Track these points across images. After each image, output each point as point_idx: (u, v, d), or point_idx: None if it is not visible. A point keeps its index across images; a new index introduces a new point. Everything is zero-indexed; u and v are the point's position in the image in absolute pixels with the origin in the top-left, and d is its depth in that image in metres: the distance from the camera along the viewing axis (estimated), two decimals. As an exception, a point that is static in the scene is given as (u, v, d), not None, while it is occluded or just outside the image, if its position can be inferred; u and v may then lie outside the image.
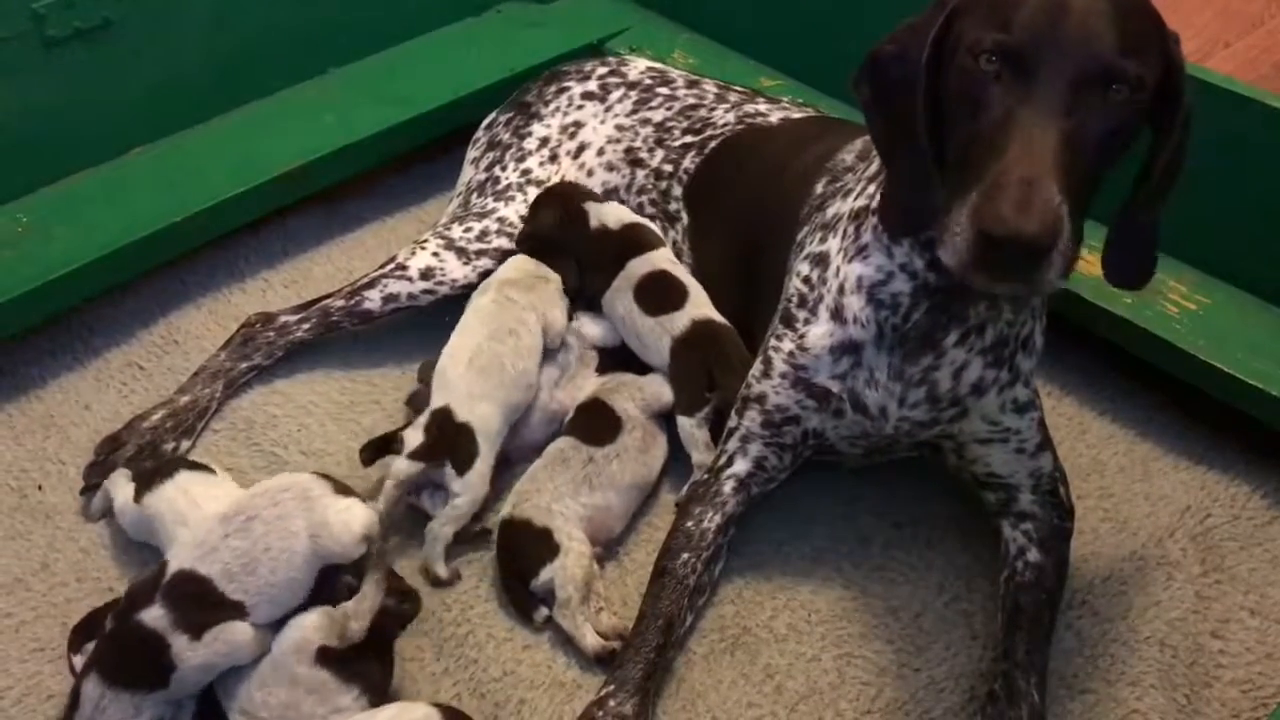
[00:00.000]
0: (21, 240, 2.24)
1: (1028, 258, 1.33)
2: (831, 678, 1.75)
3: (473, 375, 1.96)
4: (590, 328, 2.15)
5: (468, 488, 1.87)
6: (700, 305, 2.08)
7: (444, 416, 1.92)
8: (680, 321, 2.05)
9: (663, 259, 2.14)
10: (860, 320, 1.67)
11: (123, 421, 2.10)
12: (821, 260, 1.73)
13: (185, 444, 2.07)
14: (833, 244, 1.73)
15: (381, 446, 1.93)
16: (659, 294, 2.09)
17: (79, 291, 2.22)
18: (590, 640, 1.76)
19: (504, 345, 2.00)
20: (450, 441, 1.89)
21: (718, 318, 2.06)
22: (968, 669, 1.76)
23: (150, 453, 2.02)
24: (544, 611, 1.80)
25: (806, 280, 1.75)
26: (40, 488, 2.00)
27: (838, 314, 1.70)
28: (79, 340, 2.28)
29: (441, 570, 1.85)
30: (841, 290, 1.69)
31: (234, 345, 2.20)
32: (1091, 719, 1.69)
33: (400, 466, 1.86)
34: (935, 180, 1.49)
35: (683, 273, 2.13)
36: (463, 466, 1.88)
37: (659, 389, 2.04)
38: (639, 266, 2.12)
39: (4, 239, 2.23)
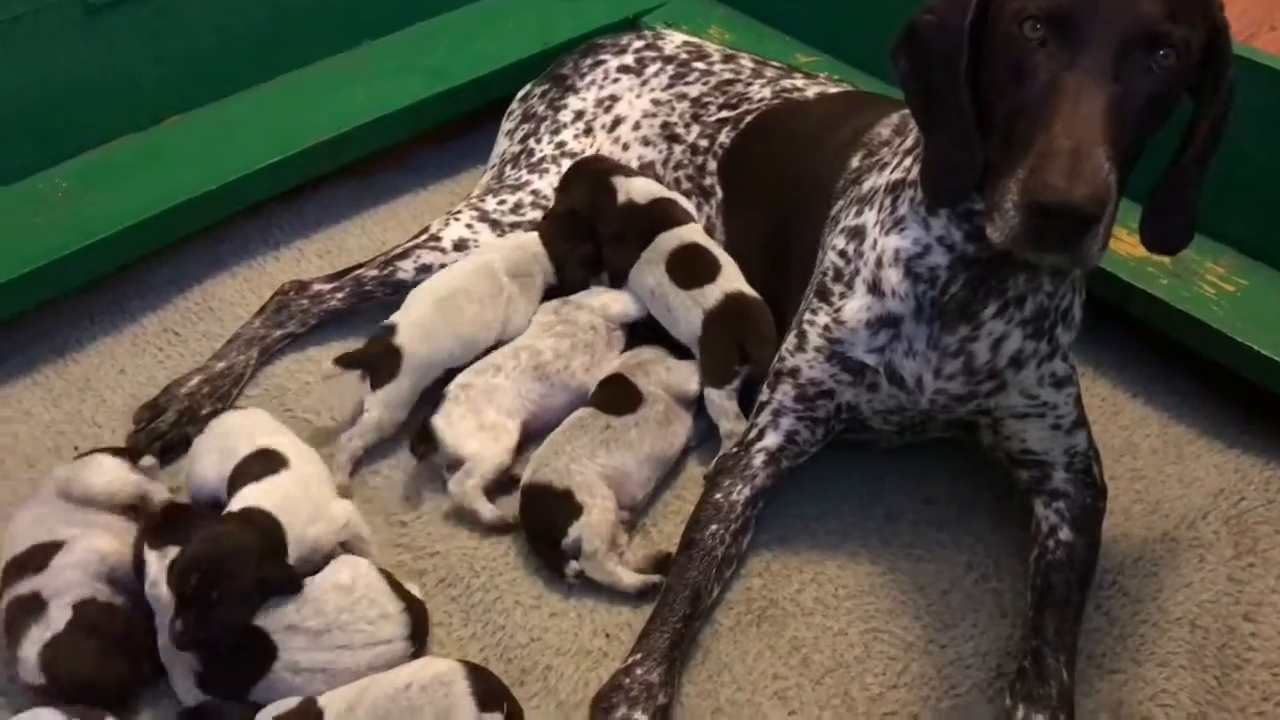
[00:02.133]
0: (61, 206, 2.26)
1: (1076, 227, 1.32)
2: (858, 651, 1.75)
3: (432, 313, 2.03)
4: (616, 305, 2.14)
5: (375, 404, 1.97)
6: (732, 279, 2.08)
7: (385, 332, 2.02)
8: (713, 295, 2.05)
9: (693, 233, 2.13)
10: (898, 293, 1.67)
11: (158, 386, 2.12)
12: (858, 234, 1.73)
13: (221, 409, 2.08)
14: (869, 217, 1.72)
15: (424, 437, 1.95)
16: (691, 267, 2.08)
17: (116, 257, 2.25)
18: (629, 579, 1.78)
19: (470, 307, 2.06)
20: (376, 356, 1.99)
21: (750, 291, 2.06)
22: (995, 646, 1.76)
23: (189, 419, 2.04)
24: (575, 565, 1.81)
25: (842, 254, 1.74)
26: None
27: (875, 287, 1.69)
28: (116, 306, 2.30)
29: (343, 479, 1.94)
30: (879, 263, 1.68)
31: (268, 313, 2.21)
32: (1120, 698, 1.68)
33: (326, 368, 2.00)
34: (976, 151, 1.48)
35: (714, 246, 2.13)
36: (377, 383, 1.97)
37: (686, 377, 2.04)
38: (669, 240, 2.11)
39: (44, 204, 2.27)
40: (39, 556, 1.67)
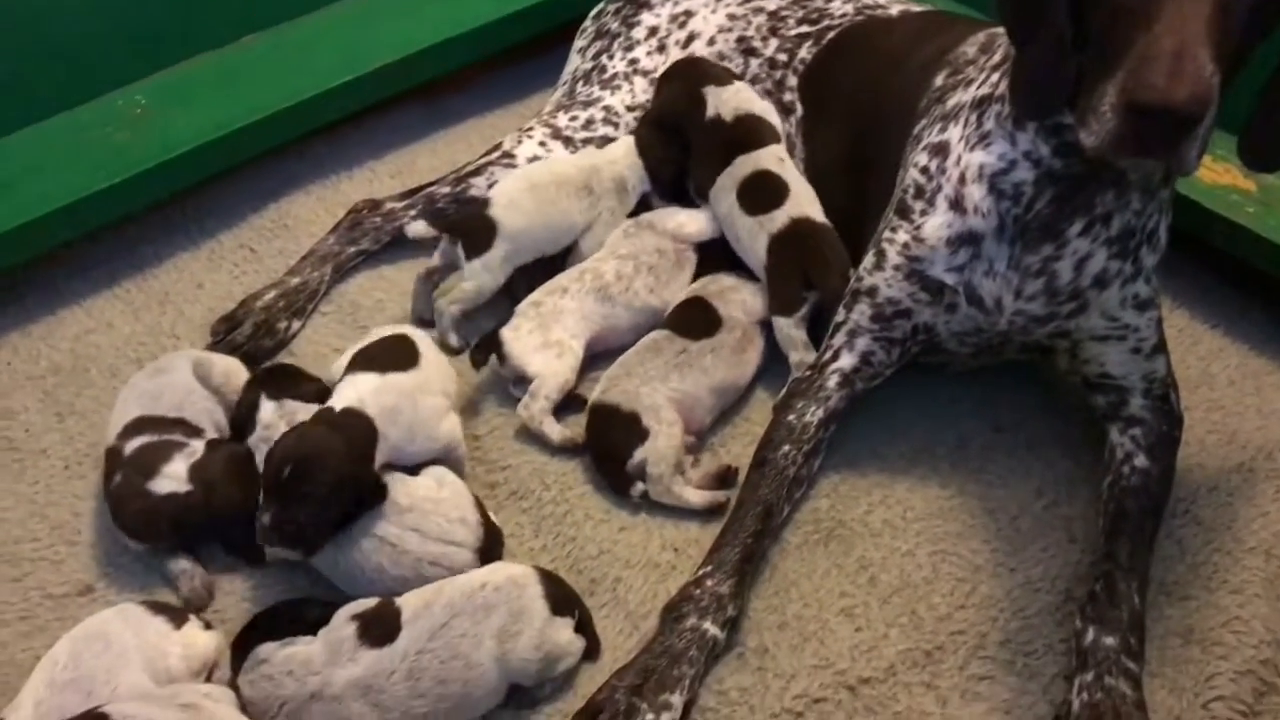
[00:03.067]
0: (140, 122, 2.30)
1: (1176, 129, 1.30)
2: (926, 572, 1.75)
3: (527, 193, 2.07)
4: (691, 225, 2.13)
5: (472, 273, 2.03)
6: (801, 204, 2.05)
7: (481, 204, 2.08)
8: (779, 219, 2.03)
9: (769, 158, 2.10)
10: (980, 210, 1.65)
11: (235, 301, 2.15)
12: (941, 150, 1.71)
13: (296, 324, 2.12)
14: (953, 133, 1.70)
15: (488, 346, 1.97)
16: (760, 193, 2.07)
17: (193, 173, 2.28)
18: (695, 498, 1.80)
19: (563, 200, 2.09)
20: (473, 226, 2.04)
21: (818, 217, 2.04)
22: (1064, 571, 1.75)
23: (265, 331, 2.08)
24: (640, 487, 1.82)
25: (924, 170, 1.72)
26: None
27: (957, 204, 1.67)
28: (193, 222, 2.34)
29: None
30: (962, 180, 1.66)
31: (342, 230, 2.24)
32: (1191, 625, 1.68)
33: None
34: (1069, 60, 1.45)
35: (789, 171, 2.10)
36: (472, 252, 2.03)
37: (760, 299, 2.04)
38: (744, 166, 2.10)
39: (123, 120, 2.30)
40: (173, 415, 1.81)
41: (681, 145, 2.18)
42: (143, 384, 1.85)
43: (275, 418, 1.78)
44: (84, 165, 2.20)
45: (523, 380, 1.96)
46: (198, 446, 1.77)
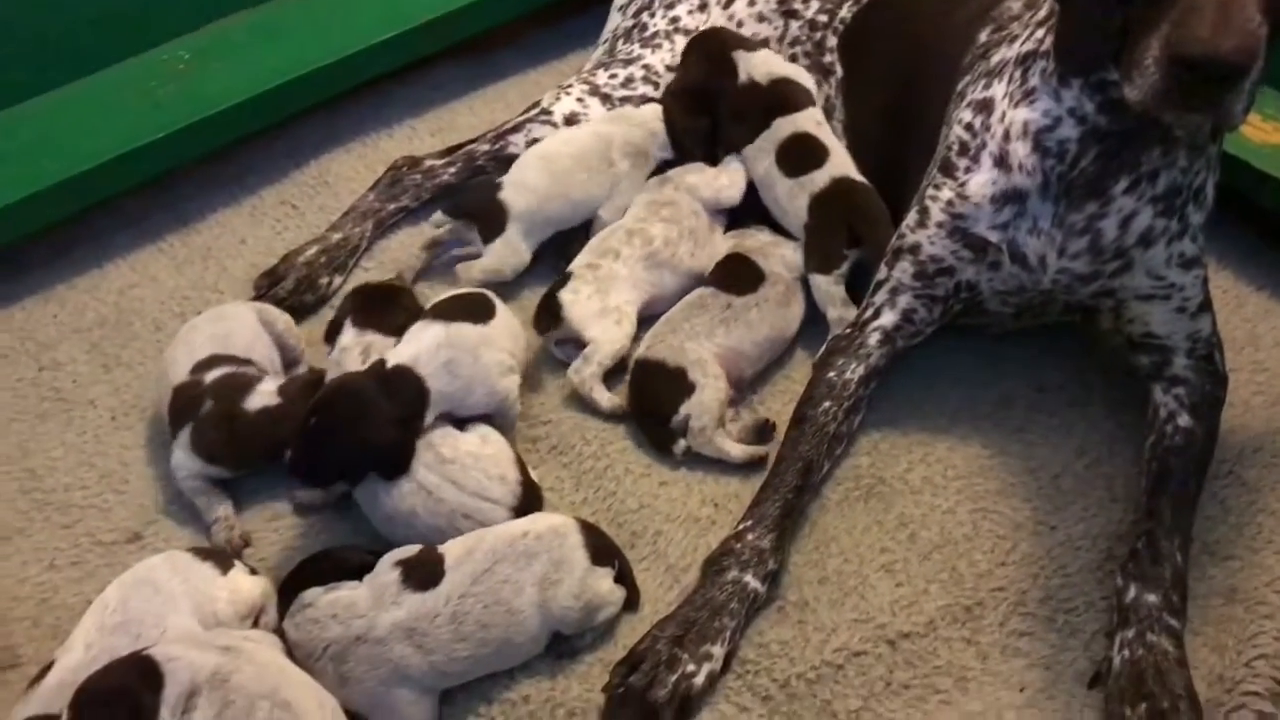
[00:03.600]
0: (183, 76, 2.32)
1: (1222, 82, 1.28)
2: (966, 530, 1.75)
3: (538, 173, 2.08)
4: (709, 190, 2.10)
5: (493, 252, 2.05)
6: (841, 165, 2.05)
7: (491, 188, 2.09)
8: (820, 179, 2.03)
9: (808, 120, 2.10)
10: (1025, 168, 1.63)
11: (276, 256, 2.17)
12: (985, 106, 1.69)
13: (338, 280, 2.13)
14: (998, 89, 1.68)
15: (547, 309, 1.97)
16: (800, 155, 2.06)
17: (235, 128, 2.29)
18: (736, 452, 1.81)
19: (579, 174, 2.09)
20: (481, 209, 2.06)
21: (859, 177, 2.04)
22: (1106, 530, 1.75)
23: (307, 287, 2.10)
24: (682, 444, 1.83)
25: (969, 127, 1.71)
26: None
27: (1002, 161, 1.66)
28: (235, 179, 2.36)
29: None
30: (1006, 136, 1.65)
31: (382, 186, 2.25)
32: (1234, 584, 1.67)
33: (436, 218, 2.11)
34: (1114, 15, 1.43)
35: (827, 134, 2.10)
36: (488, 236, 2.05)
37: (801, 255, 2.04)
38: (783, 128, 2.09)
39: (167, 75, 2.32)
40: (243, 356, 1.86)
41: (709, 114, 2.17)
42: (209, 328, 1.88)
43: (352, 343, 1.84)
44: (127, 121, 2.22)
45: (565, 342, 1.97)
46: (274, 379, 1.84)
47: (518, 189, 2.07)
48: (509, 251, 2.06)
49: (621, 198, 2.12)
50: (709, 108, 2.16)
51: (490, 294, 1.89)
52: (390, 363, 1.71)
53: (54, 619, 1.69)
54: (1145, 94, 1.35)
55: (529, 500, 1.72)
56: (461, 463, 1.68)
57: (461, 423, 1.76)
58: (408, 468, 1.67)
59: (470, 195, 2.15)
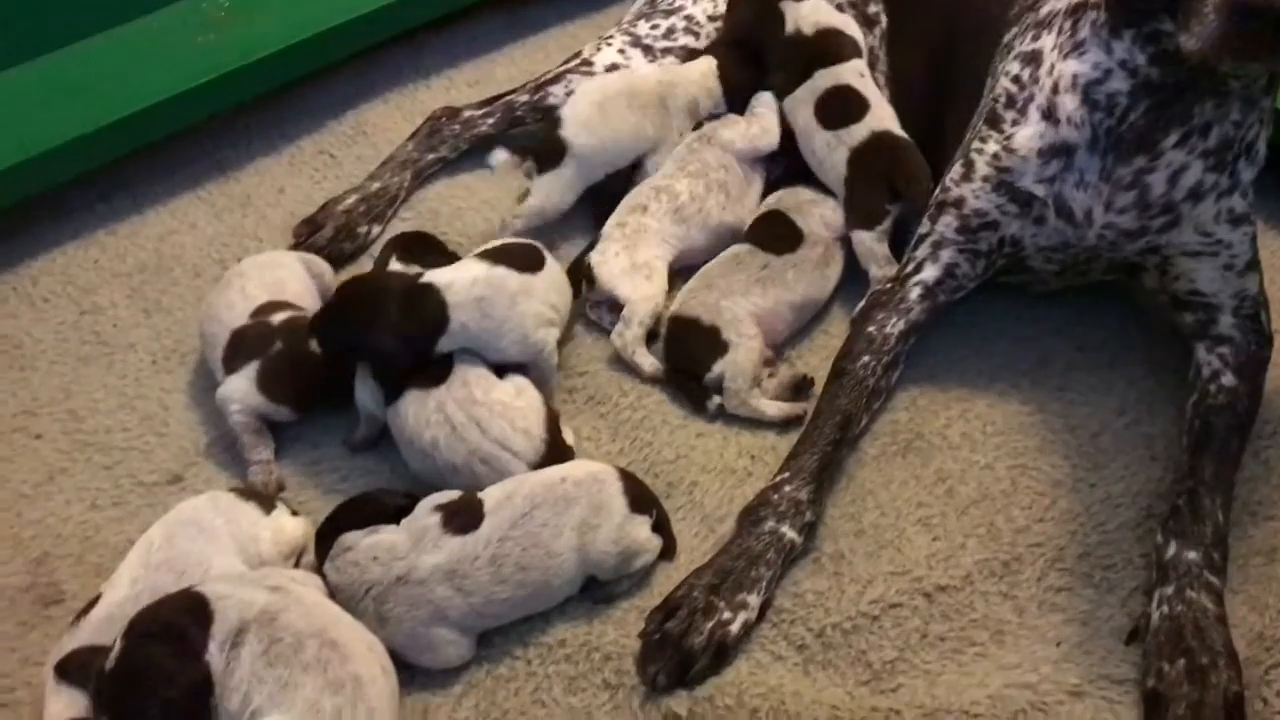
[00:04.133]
0: (221, 26, 2.32)
1: None
2: (1004, 485, 1.75)
3: (595, 109, 2.07)
4: (742, 141, 2.09)
5: (538, 188, 2.07)
6: (881, 119, 2.03)
7: (553, 123, 2.10)
8: (859, 133, 2.01)
9: (850, 72, 2.07)
10: (1073, 121, 1.62)
11: (315, 205, 2.18)
12: (1034, 59, 1.67)
13: (376, 229, 2.14)
14: (1047, 41, 1.66)
15: (579, 272, 1.97)
16: (838, 108, 2.04)
17: (274, 77, 2.30)
18: (772, 411, 1.80)
19: (632, 115, 2.09)
20: (545, 146, 2.08)
21: (899, 132, 2.02)
22: (1146, 488, 1.73)
23: (346, 235, 2.10)
24: (716, 400, 1.83)
25: (1016, 80, 1.69)
26: (240, 262, 2.10)
27: (1049, 114, 1.64)
28: (274, 128, 2.36)
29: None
30: (1055, 89, 1.63)
31: (420, 137, 2.25)
32: (1276, 545, 1.65)
33: (499, 155, 2.16)
34: None
35: (869, 87, 2.08)
36: (542, 169, 2.07)
37: (841, 214, 2.02)
38: (824, 80, 2.07)
39: (207, 23, 2.32)
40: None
41: (757, 65, 2.15)
42: (259, 274, 1.90)
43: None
44: (167, 68, 2.22)
45: (599, 305, 1.96)
46: None
47: (579, 126, 2.07)
48: (558, 188, 2.06)
49: (667, 149, 2.11)
50: (756, 58, 2.14)
51: (541, 247, 1.89)
52: (424, 279, 1.74)
53: (96, 557, 1.71)
54: (1203, 42, 1.33)
55: (553, 459, 1.71)
56: (490, 408, 1.69)
57: (500, 371, 1.77)
58: (402, 386, 1.71)
59: (532, 131, 2.17)
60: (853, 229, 1.98)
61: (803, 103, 2.08)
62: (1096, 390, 1.86)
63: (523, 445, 1.69)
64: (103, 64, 2.25)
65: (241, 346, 1.80)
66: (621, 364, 1.92)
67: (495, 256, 1.81)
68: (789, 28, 2.11)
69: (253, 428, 1.79)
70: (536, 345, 1.79)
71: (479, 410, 1.69)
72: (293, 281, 1.90)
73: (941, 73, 1.97)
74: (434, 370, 1.73)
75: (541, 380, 1.81)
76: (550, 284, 1.84)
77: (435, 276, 1.77)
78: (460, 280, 1.75)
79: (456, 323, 1.72)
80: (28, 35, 2.24)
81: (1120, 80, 1.57)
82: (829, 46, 2.10)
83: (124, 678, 1.36)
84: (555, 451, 1.72)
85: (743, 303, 1.87)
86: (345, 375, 1.78)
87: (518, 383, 1.77)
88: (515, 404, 1.72)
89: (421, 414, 1.69)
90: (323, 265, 2.00)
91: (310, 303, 1.89)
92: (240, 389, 1.78)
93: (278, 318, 1.82)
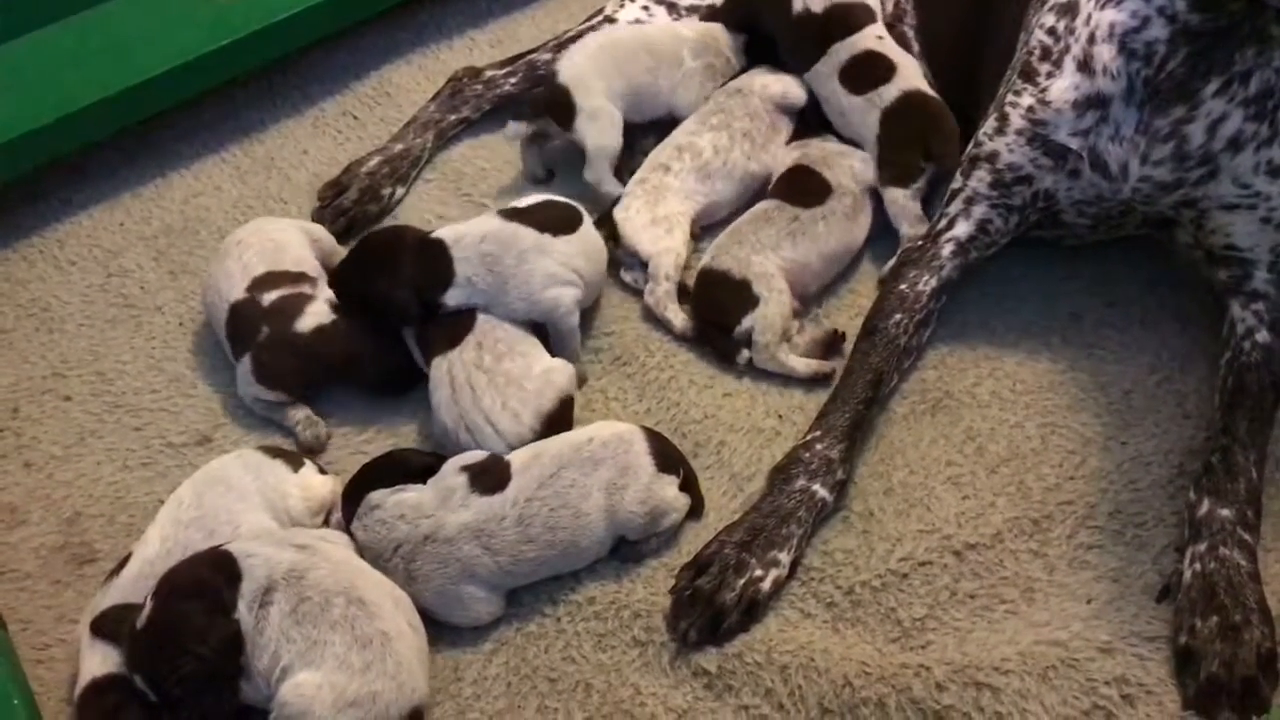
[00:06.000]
0: (243, -14, 2.29)
1: None
2: (1035, 444, 1.73)
3: (598, 51, 2.06)
4: (776, 85, 2.08)
5: (583, 135, 2.01)
6: (910, 78, 2.01)
7: (549, 76, 2.08)
8: (889, 94, 1.99)
9: (869, 38, 2.05)
10: (1110, 71, 1.59)
11: (339, 167, 2.18)
12: (1070, 9, 1.64)
13: (400, 190, 2.13)
14: (1083, -10, 1.63)
15: (604, 228, 1.95)
16: (865, 72, 2.02)
17: (297, 38, 2.28)
18: (801, 367, 1.80)
19: (646, 59, 2.07)
20: (549, 99, 2.04)
21: (929, 90, 2.00)
22: (1178, 446, 1.71)
23: (370, 197, 2.09)
24: (746, 354, 1.82)
25: (1051, 31, 1.66)
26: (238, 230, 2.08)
27: (1085, 65, 1.61)
28: (297, 90, 2.36)
29: (607, 190, 2.02)
30: (1091, 39, 1.60)
31: (443, 98, 2.23)
32: (1310, 502, 1.64)
33: (511, 127, 2.06)
34: None
35: (891, 48, 2.05)
36: (564, 120, 2.01)
37: (869, 166, 2.00)
38: (842, 52, 2.04)
39: (229, -15, 2.30)
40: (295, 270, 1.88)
41: (766, 50, 2.15)
42: (258, 242, 1.88)
43: None
44: (190, 29, 2.21)
45: (633, 267, 1.95)
46: (327, 295, 1.84)
47: (573, 67, 2.04)
48: (595, 123, 2.01)
49: (688, 96, 2.09)
50: (754, 36, 2.15)
51: (582, 210, 1.88)
52: (434, 234, 1.77)
53: (127, 517, 1.73)
54: None
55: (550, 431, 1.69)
56: (493, 377, 1.69)
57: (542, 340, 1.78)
58: (405, 332, 1.78)
59: (533, 94, 2.13)
60: (885, 185, 1.96)
61: (824, 77, 2.06)
62: (1128, 347, 1.84)
63: (507, 425, 1.67)
64: (125, 27, 2.23)
65: (238, 329, 1.81)
66: (649, 323, 1.91)
67: (514, 214, 1.81)
68: (797, 7, 2.08)
69: (273, 408, 1.80)
70: (544, 304, 1.78)
71: (479, 377, 1.69)
72: (290, 249, 1.89)
73: (973, 25, 1.94)
74: (456, 332, 1.73)
75: (560, 342, 1.81)
76: (578, 247, 1.82)
77: (445, 232, 1.79)
78: (469, 235, 1.77)
79: (462, 276, 1.74)
80: (44, 1, 2.23)
81: (1159, 28, 1.54)
82: (840, 19, 2.07)
83: (156, 634, 1.38)
84: (560, 423, 1.70)
85: (773, 257, 1.86)
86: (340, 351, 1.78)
87: (548, 364, 1.74)
88: (523, 382, 1.70)
89: (435, 374, 1.71)
90: (321, 231, 1.99)
91: (311, 267, 1.88)
92: (243, 382, 1.80)
93: (268, 297, 1.80)
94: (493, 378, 1.69)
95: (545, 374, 1.73)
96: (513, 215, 1.82)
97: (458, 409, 1.68)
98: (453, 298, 1.75)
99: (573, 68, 2.04)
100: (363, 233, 2.01)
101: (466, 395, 1.68)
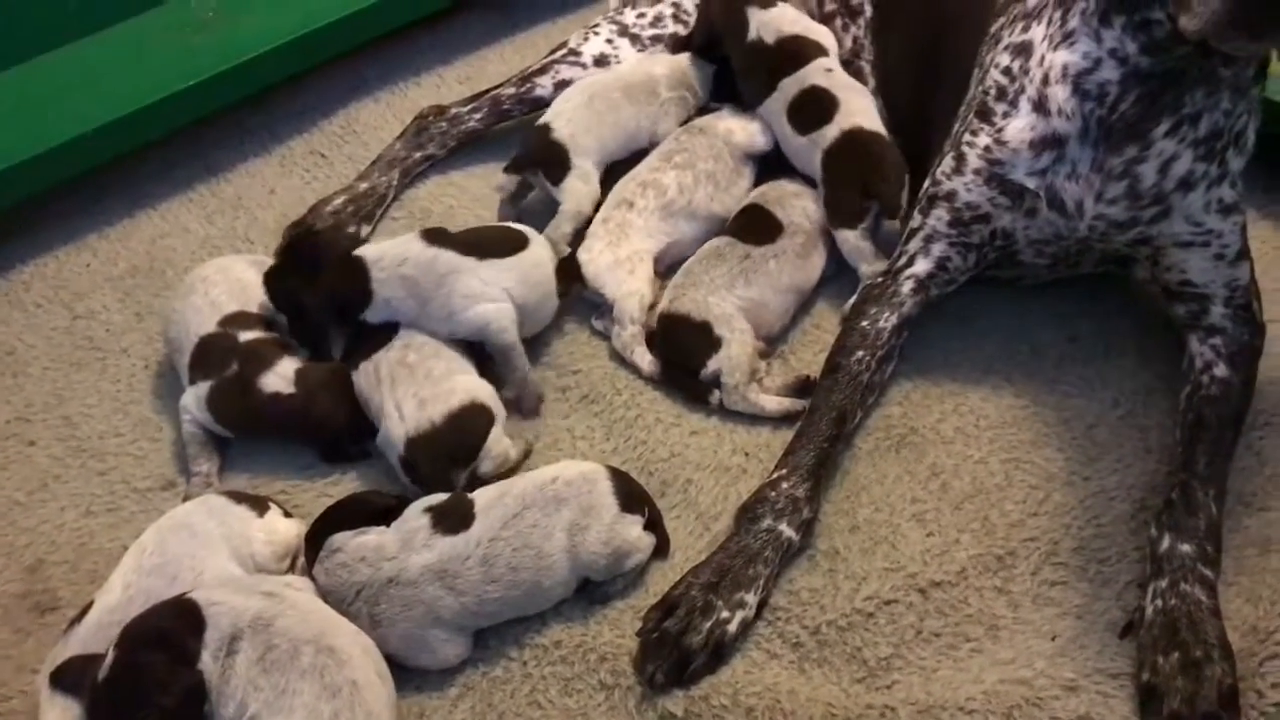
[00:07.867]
0: (211, 26, 2.32)
1: None
2: (998, 479, 1.74)
3: (585, 106, 2.08)
4: (740, 134, 2.09)
5: (566, 194, 2.03)
6: (851, 114, 2.00)
7: (543, 131, 2.07)
8: (830, 133, 2.00)
9: (815, 72, 2.06)
10: (1064, 112, 1.61)
11: (306, 205, 2.18)
12: (1024, 50, 1.66)
13: (366, 229, 2.14)
14: (1037, 32, 1.65)
15: (568, 272, 1.96)
16: (808, 111, 2.03)
17: (264, 77, 2.30)
18: (770, 405, 1.80)
19: (628, 107, 2.10)
20: (541, 154, 2.05)
21: (870, 125, 2.00)
22: (1140, 481, 1.73)
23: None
24: (718, 395, 1.83)
25: (1006, 71, 1.68)
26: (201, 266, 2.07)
27: (1040, 106, 1.63)
28: (264, 129, 2.36)
29: (563, 248, 2.01)
30: (1045, 80, 1.62)
31: (409, 136, 2.24)
32: (1269, 535, 1.65)
33: (503, 179, 2.09)
34: None
35: (837, 81, 2.05)
36: (556, 177, 2.04)
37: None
38: (790, 87, 2.06)
39: (194, 25, 2.33)
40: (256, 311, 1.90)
41: (722, 62, 2.17)
42: (224, 280, 1.89)
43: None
44: (157, 69, 2.23)
45: (603, 315, 1.96)
46: (298, 353, 1.87)
47: (568, 123, 2.07)
48: (583, 186, 2.05)
49: (666, 127, 2.13)
50: (721, 57, 2.16)
51: (525, 234, 1.91)
52: (355, 252, 1.83)
53: (91, 564, 1.71)
54: (1205, 22, 1.31)
55: (435, 452, 1.70)
56: (413, 374, 1.75)
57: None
58: (326, 350, 1.85)
59: (527, 144, 2.11)
60: (836, 229, 1.97)
61: (776, 113, 2.08)
62: (1091, 382, 1.86)
63: (410, 411, 1.71)
64: (91, 67, 2.25)
65: (206, 358, 1.81)
66: (615, 362, 1.92)
67: (439, 237, 1.85)
68: (751, 34, 2.10)
69: (200, 439, 1.80)
70: (470, 322, 1.80)
71: (400, 370, 1.75)
72: (256, 287, 1.90)
73: (927, 62, 1.96)
74: (380, 340, 1.79)
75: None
76: (514, 270, 1.84)
77: (367, 250, 1.84)
78: (389, 257, 1.82)
79: (380, 298, 1.79)
80: (14, 40, 2.24)
81: (1111, 69, 1.56)
82: (790, 54, 2.09)
83: (118, 687, 1.37)
84: (442, 444, 1.70)
85: (729, 297, 1.87)
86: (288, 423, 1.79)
87: (467, 382, 1.77)
88: (439, 383, 1.74)
89: (363, 377, 1.77)
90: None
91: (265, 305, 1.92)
92: (190, 402, 1.80)
93: (246, 336, 1.82)
94: (414, 371, 1.75)
95: (465, 380, 1.76)
96: (437, 238, 1.85)
97: (377, 398, 1.75)
98: (373, 315, 1.81)
99: (568, 125, 2.06)
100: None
101: (385, 387, 1.74)
